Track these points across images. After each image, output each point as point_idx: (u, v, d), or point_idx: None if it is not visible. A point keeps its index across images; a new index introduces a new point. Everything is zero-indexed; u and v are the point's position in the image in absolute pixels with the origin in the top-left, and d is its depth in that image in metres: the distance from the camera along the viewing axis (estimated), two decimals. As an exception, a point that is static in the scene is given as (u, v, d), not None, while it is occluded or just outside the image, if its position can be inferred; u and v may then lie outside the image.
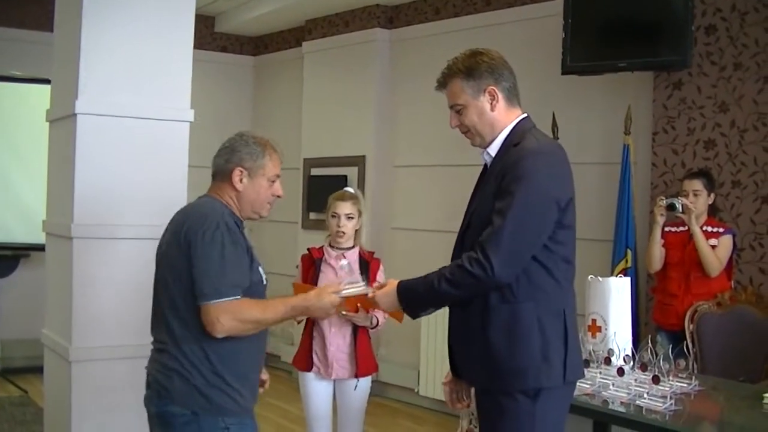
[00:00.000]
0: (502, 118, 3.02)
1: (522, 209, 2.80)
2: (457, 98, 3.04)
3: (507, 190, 2.83)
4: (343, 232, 4.57)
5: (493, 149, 3.03)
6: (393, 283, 3.06)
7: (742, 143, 5.43)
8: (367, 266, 4.58)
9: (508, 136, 3.01)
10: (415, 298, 3.00)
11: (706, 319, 4.90)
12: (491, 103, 3.01)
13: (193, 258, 2.97)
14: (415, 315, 3.07)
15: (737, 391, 4.05)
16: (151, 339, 3.19)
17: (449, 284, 2.86)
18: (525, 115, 3.07)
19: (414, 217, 7.68)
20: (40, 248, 5.49)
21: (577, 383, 3.12)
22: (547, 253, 2.88)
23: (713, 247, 5.02)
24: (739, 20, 5.46)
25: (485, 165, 3.10)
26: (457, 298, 2.92)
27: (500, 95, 3.00)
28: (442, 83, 3.09)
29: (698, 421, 3.51)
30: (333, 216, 4.60)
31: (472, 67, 3.02)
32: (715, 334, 4.87)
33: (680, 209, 5.05)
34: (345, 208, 4.58)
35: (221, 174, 3.21)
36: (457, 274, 2.84)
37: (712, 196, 5.16)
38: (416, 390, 7.35)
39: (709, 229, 5.09)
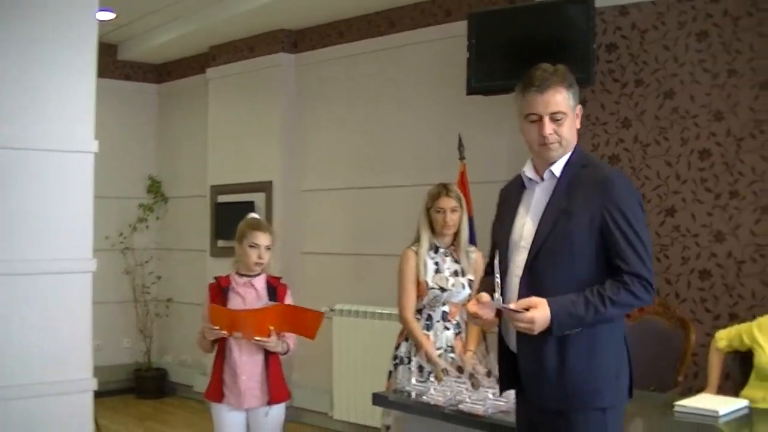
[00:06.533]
0: (575, 138, 3.05)
1: (644, 234, 2.90)
2: (561, 106, 2.99)
3: (623, 220, 2.87)
4: (263, 263, 4.53)
5: (557, 168, 3.01)
6: (542, 303, 2.84)
7: (645, 158, 5.52)
8: (275, 291, 4.55)
9: (571, 156, 3.02)
10: (570, 319, 2.84)
11: (616, 331, 4.93)
12: (577, 121, 3.05)
13: None
14: (561, 333, 2.88)
15: (648, 401, 4.09)
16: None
17: (614, 306, 2.83)
18: None
19: (323, 241, 7.63)
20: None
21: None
22: None
23: None
24: (639, 38, 5.57)
25: (524, 183, 3.10)
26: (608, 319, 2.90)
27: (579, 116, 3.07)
28: (544, 86, 2.99)
29: None
30: (252, 246, 4.52)
31: (573, 83, 3.04)
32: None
33: None
34: (265, 239, 4.54)
35: None
36: (624, 297, 2.84)
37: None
38: (330, 414, 7.26)
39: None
